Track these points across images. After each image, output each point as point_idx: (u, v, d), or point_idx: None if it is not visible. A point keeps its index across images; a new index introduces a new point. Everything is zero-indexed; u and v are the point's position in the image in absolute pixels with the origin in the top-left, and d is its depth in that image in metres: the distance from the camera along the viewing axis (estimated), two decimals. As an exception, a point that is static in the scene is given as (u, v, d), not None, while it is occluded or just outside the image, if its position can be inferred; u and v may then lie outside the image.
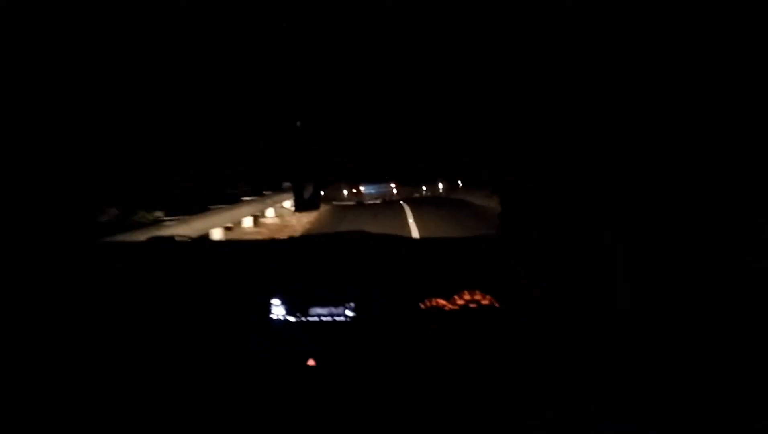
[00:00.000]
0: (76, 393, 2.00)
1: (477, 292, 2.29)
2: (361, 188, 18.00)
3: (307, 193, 2.96)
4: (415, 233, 11.29)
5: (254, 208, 12.52)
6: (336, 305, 2.23)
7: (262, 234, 11.51)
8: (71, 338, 2.07)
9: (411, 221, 13.56)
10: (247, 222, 12.41)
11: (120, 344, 2.10)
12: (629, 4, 1.94)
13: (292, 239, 2.50)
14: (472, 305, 2.29)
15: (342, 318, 2.23)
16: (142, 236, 5.30)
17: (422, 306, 2.27)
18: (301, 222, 13.48)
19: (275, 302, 2.22)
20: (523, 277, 2.29)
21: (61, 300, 2.11)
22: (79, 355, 2.07)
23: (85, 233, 2.49)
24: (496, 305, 2.27)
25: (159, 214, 8.97)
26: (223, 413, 1.99)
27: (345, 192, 18.32)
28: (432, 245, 2.64)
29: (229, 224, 10.93)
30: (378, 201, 18.79)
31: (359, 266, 2.35)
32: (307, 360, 2.15)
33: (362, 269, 2.33)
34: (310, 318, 2.22)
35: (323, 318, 2.23)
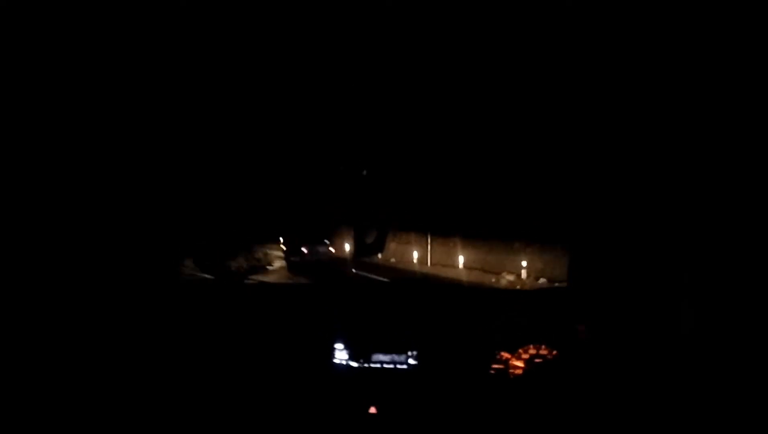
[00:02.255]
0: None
1: (543, 346, 2.24)
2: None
3: (370, 237, 2.99)
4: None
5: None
6: (399, 353, 2.23)
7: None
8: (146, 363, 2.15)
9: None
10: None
11: (190, 377, 2.16)
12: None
13: (356, 283, 2.55)
14: (537, 360, 2.24)
15: (404, 366, 2.22)
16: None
17: (486, 358, 2.23)
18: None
19: (338, 346, 2.25)
20: (590, 331, 2.23)
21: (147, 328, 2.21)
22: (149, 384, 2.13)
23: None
24: (561, 359, 2.21)
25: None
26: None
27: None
28: (497, 296, 2.62)
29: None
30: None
31: (422, 313, 2.36)
32: (368, 406, 2.14)
33: (426, 317, 2.34)
34: (372, 364, 2.23)
35: (386, 365, 2.23)
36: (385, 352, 2.23)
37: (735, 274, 2.04)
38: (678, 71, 2.06)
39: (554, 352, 2.21)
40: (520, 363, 2.23)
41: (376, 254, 3.06)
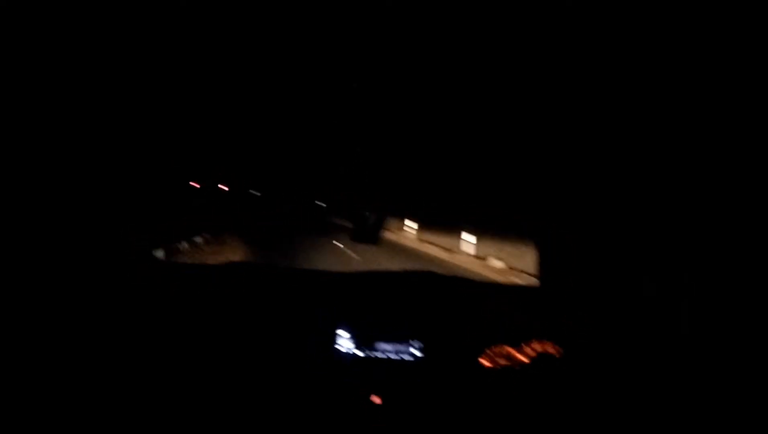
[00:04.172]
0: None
1: (548, 343, 2.24)
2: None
3: (370, 221, 2.92)
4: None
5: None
6: (403, 343, 2.21)
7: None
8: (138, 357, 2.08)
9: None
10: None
11: (188, 365, 2.10)
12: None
13: (362, 273, 2.51)
14: (541, 356, 2.24)
15: (408, 357, 2.20)
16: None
17: (490, 352, 2.23)
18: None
19: (342, 333, 2.21)
20: (594, 328, 2.24)
21: (137, 319, 2.14)
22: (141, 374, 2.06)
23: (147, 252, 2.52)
24: (566, 357, 2.21)
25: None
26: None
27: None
28: (503, 291, 2.61)
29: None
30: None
31: (428, 305, 2.33)
32: (371, 395, 2.11)
33: (431, 309, 2.31)
34: (376, 354, 2.20)
35: (389, 355, 2.20)
36: (390, 342, 2.21)
37: (735, 274, 2.06)
38: (678, 70, 2.05)
39: (558, 348, 2.21)
40: (524, 358, 2.23)
41: (374, 240, 3.01)
